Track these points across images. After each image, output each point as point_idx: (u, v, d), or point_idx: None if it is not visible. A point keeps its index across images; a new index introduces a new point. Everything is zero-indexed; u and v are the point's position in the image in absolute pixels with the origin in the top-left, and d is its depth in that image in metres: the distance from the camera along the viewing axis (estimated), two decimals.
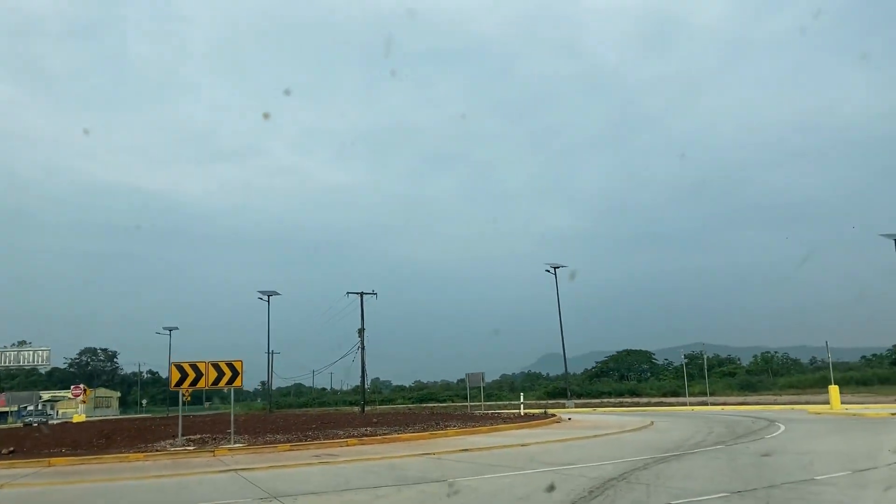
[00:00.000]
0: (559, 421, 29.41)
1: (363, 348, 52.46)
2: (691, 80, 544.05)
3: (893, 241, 41.62)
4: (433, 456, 16.53)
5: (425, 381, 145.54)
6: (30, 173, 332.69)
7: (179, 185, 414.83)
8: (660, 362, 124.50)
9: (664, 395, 73.23)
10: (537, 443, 19.37)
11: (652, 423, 26.88)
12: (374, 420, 31.07)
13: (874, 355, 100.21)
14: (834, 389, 34.93)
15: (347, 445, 19.60)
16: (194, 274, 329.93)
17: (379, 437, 20.76)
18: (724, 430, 22.09)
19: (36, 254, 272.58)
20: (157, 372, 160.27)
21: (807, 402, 44.98)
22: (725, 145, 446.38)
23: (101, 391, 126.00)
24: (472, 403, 52.16)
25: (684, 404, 54.94)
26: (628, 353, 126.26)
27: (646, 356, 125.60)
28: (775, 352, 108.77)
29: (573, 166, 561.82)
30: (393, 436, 21.24)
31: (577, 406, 50.45)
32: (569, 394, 55.14)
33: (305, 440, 20.39)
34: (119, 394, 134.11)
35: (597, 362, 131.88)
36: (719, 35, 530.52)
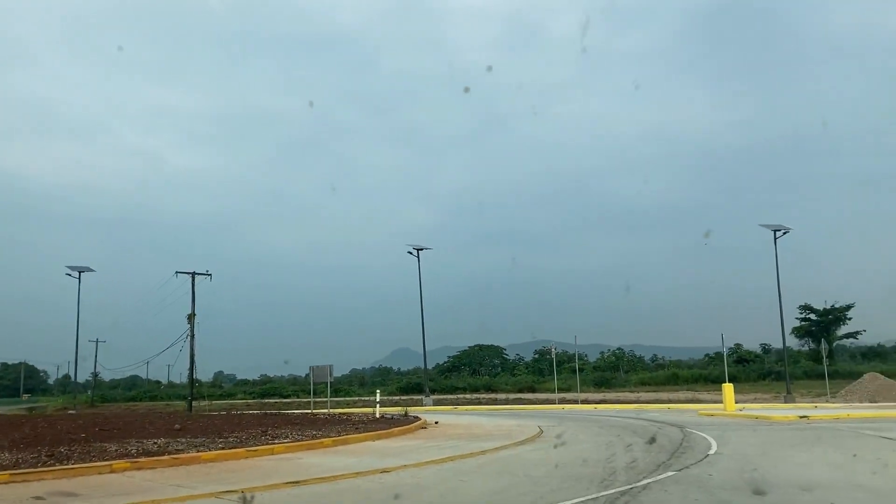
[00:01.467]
0: (425, 426, 23.12)
1: (192, 336, 44.26)
2: (550, 87, 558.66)
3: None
4: (235, 497, 9.73)
5: (271, 375, 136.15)
6: None
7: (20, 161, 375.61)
8: (511, 357, 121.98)
9: (520, 391, 69.24)
10: (403, 466, 12.97)
11: (540, 430, 21.14)
12: (185, 425, 23.37)
13: (713, 354, 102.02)
14: (728, 388, 30.95)
15: (111, 471, 12.39)
16: (24, 252, 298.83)
17: (168, 458, 13.59)
18: (644, 443, 16.63)
19: None
20: None
21: (690, 402, 41.35)
22: (580, 152, 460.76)
23: None
24: (316, 400, 44.97)
25: (544, 402, 50.67)
26: (480, 347, 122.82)
27: (497, 351, 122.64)
28: (618, 349, 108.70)
29: (435, 163, 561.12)
30: (190, 454, 14.13)
31: (435, 403, 44.75)
32: (426, 390, 49.14)
33: (44, 465, 12.80)
34: None
35: (449, 357, 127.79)
36: (577, 46, 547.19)
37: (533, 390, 69.37)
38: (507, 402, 50.19)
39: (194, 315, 44.38)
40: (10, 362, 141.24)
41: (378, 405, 28.29)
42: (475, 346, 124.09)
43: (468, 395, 64.09)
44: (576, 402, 41.34)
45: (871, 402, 39.11)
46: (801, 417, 23.74)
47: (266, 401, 72.05)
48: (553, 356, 65.07)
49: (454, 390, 72.94)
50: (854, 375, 74.49)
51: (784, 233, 37.12)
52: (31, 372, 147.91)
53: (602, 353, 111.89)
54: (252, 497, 9.50)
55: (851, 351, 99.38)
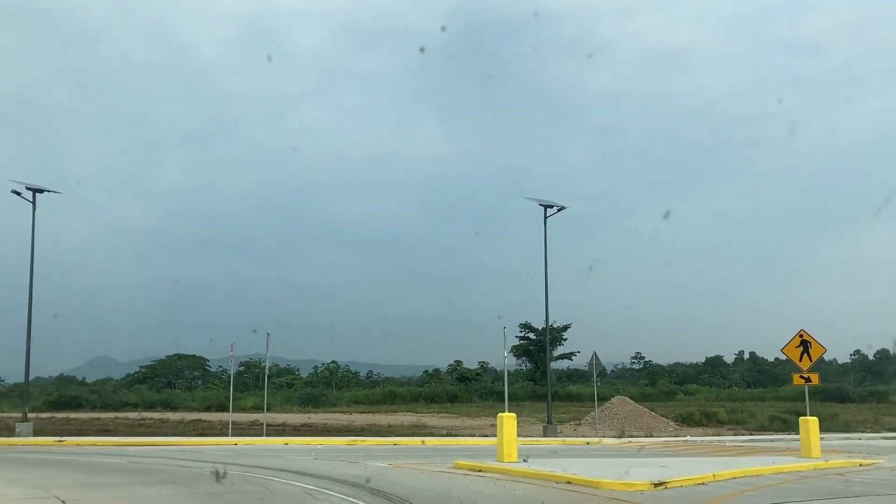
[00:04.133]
0: None
1: None
2: (284, 97, 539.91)
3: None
4: None
5: None
6: None
7: None
8: (214, 370, 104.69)
9: (208, 409, 53.89)
10: None
11: None
12: None
13: (431, 371, 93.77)
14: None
15: None
16: None
17: None
18: None
19: None
20: None
21: (428, 433, 29.19)
22: (309, 166, 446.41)
23: None
24: None
25: (217, 432, 36.61)
26: (180, 357, 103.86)
27: (199, 362, 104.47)
28: (332, 362, 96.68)
29: (152, 160, 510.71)
30: None
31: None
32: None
33: None
34: None
35: (141, 366, 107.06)
36: (317, 61, 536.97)
37: (223, 408, 54.32)
38: (145, 427, 35.15)
39: None
40: None
41: None
42: (174, 355, 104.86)
43: (130, 414, 47.22)
44: (260, 432, 27.54)
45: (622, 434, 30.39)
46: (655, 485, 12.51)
47: None
48: (264, 369, 51.16)
49: (122, 406, 55.34)
50: (571, 397, 69.99)
51: (559, 209, 27.14)
52: None
53: (316, 367, 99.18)
54: None
55: (559, 373, 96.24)
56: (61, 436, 25.52)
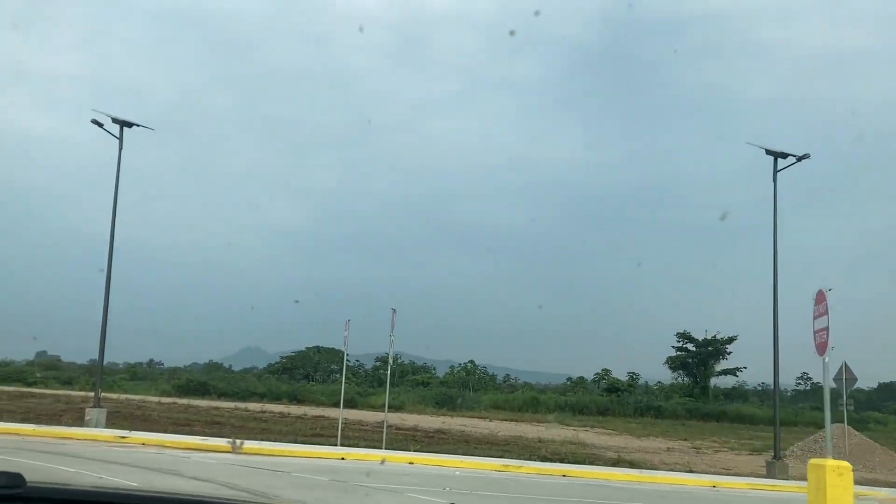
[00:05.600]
0: None
1: None
2: (427, 102, 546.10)
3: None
4: None
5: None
6: None
7: None
8: (351, 363, 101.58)
9: (336, 405, 49.04)
10: None
11: None
12: None
13: (576, 378, 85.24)
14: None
15: None
16: None
17: None
18: None
19: None
20: None
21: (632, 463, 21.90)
22: (447, 170, 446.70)
23: None
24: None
25: (360, 420, 31.06)
26: (318, 350, 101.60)
27: (337, 356, 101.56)
28: (469, 362, 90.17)
29: (302, 161, 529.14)
30: None
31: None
32: (97, 396, 27.67)
33: None
34: None
35: (282, 357, 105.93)
36: (462, 66, 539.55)
37: (354, 405, 49.30)
38: (258, 422, 29.80)
39: None
40: None
41: None
42: (313, 347, 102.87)
43: (251, 405, 42.77)
44: (379, 443, 21.07)
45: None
46: None
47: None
48: (390, 366, 45.89)
49: (249, 395, 51.59)
50: (743, 419, 59.84)
51: (797, 159, 19.04)
52: None
53: (452, 366, 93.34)
54: None
55: (720, 391, 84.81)
56: (143, 428, 20.34)
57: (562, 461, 19.84)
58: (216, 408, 38.27)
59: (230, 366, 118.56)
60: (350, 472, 13.51)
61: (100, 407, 19.11)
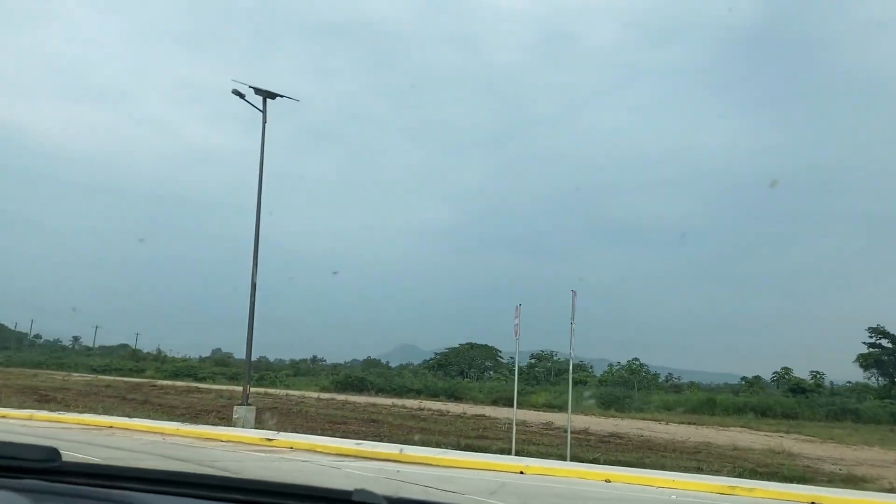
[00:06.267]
0: None
1: None
2: (578, 96, 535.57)
3: None
4: None
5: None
6: None
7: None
8: (505, 360, 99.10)
9: (494, 403, 46.37)
10: None
11: None
12: None
13: (751, 378, 77.49)
14: None
15: None
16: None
17: None
18: None
19: None
20: None
21: None
22: (598, 164, 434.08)
23: None
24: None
25: (523, 421, 28.19)
26: (472, 346, 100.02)
27: (491, 352, 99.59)
28: (634, 359, 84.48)
29: (454, 162, 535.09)
30: None
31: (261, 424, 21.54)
32: (246, 391, 26.19)
33: None
34: None
35: (436, 353, 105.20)
36: (611, 58, 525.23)
37: (512, 402, 46.54)
38: (417, 420, 27.29)
39: None
40: None
41: None
42: (467, 344, 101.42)
43: (410, 402, 40.81)
44: (554, 439, 17.88)
45: None
46: None
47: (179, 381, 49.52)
48: (551, 362, 42.55)
49: (405, 391, 50.06)
50: None
51: None
52: None
53: (610, 365, 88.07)
54: None
55: None
56: (295, 427, 18.46)
57: (785, 478, 15.83)
58: (373, 404, 36.70)
59: (387, 362, 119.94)
60: (542, 496, 10.52)
61: (248, 405, 17.34)
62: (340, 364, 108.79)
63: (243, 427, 16.57)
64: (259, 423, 17.61)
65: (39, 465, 1.95)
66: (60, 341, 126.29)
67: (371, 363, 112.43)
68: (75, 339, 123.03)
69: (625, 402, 51.46)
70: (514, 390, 20.70)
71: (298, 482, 2.05)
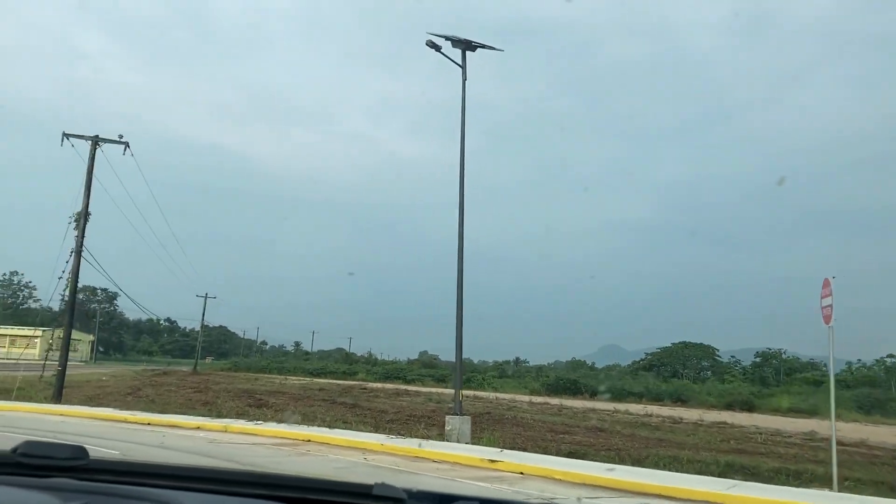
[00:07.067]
0: None
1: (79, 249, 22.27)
2: (781, 75, 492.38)
3: None
4: None
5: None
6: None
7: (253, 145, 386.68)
8: (724, 360, 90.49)
9: (729, 407, 40.39)
10: None
11: None
12: None
13: None
14: None
15: None
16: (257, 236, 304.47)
17: None
18: None
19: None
20: (175, 321, 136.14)
21: None
22: (807, 145, 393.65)
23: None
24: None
25: (777, 430, 22.80)
26: (686, 345, 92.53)
27: (708, 351, 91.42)
28: (889, 355, 71.87)
29: (650, 155, 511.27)
30: None
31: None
32: (459, 400, 23.05)
33: None
34: (92, 337, 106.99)
35: (647, 353, 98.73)
36: (815, 29, 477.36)
37: (751, 407, 40.29)
38: (650, 430, 22.67)
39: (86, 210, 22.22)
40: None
41: None
42: (680, 343, 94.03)
43: (633, 405, 36.26)
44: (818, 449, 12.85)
45: None
46: None
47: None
48: (780, 361, 36.15)
49: (625, 395, 45.45)
50: None
51: None
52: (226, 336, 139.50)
53: (849, 363, 76.12)
54: None
55: None
56: (514, 438, 15.19)
57: None
58: (592, 409, 32.81)
59: (592, 363, 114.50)
60: None
61: (462, 415, 14.36)
62: (544, 366, 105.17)
63: (458, 441, 13.60)
64: (478, 431, 14.63)
65: (67, 463, 1.92)
66: (284, 346, 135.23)
67: (576, 364, 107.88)
68: (296, 344, 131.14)
69: (887, 404, 43.14)
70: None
71: None
